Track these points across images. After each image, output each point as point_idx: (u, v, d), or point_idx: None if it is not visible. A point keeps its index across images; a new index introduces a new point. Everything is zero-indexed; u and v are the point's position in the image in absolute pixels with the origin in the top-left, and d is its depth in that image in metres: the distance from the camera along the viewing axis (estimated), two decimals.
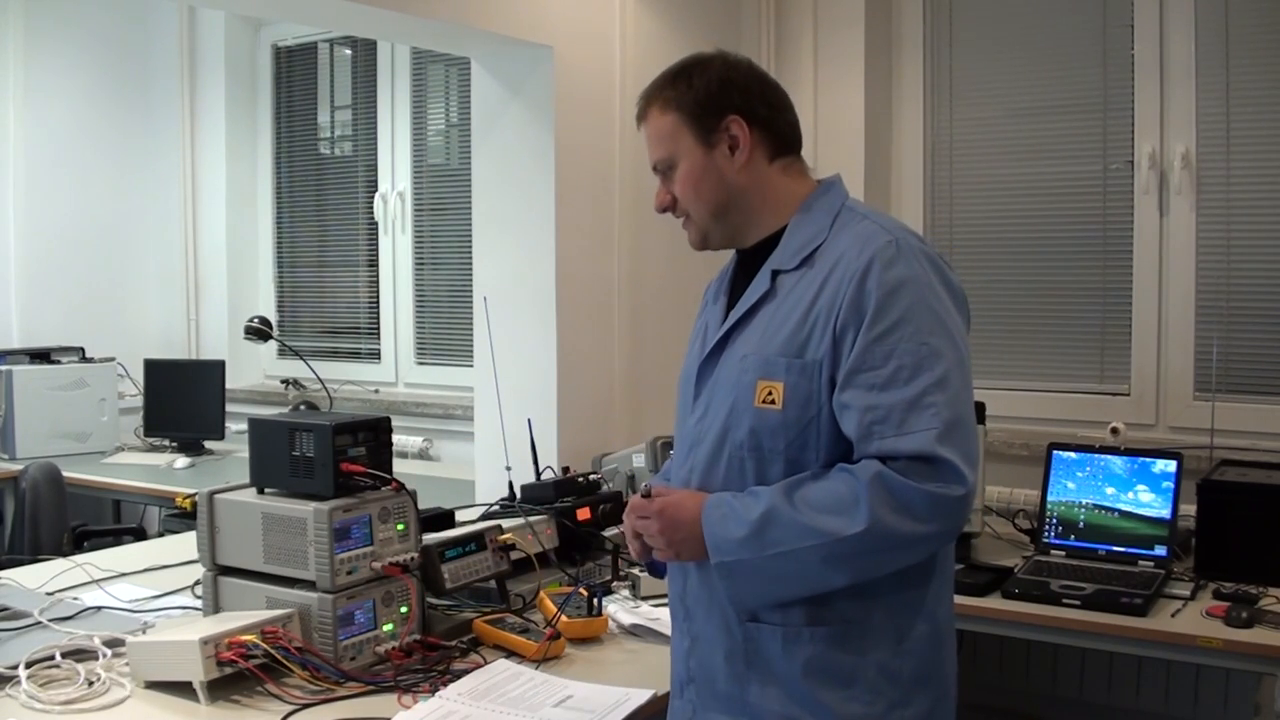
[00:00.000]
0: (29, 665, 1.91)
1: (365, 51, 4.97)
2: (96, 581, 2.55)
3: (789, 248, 1.64)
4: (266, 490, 2.10)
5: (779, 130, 1.68)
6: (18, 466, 4.15)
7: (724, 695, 1.64)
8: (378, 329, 4.97)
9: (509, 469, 2.85)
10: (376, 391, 4.83)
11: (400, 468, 2.16)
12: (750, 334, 1.63)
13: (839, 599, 1.55)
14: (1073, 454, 2.85)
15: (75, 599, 2.39)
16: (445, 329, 4.80)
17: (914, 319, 1.51)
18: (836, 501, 1.49)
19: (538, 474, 2.95)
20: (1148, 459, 2.76)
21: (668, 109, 1.66)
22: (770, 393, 1.57)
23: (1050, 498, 2.85)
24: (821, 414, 1.55)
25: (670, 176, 1.69)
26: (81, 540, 3.83)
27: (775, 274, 1.63)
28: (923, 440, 1.47)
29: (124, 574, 2.63)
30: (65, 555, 3.04)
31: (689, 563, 1.66)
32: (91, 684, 1.88)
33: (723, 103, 1.64)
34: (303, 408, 4.60)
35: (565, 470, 3.02)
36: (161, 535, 3.77)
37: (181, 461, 4.36)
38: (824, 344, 1.54)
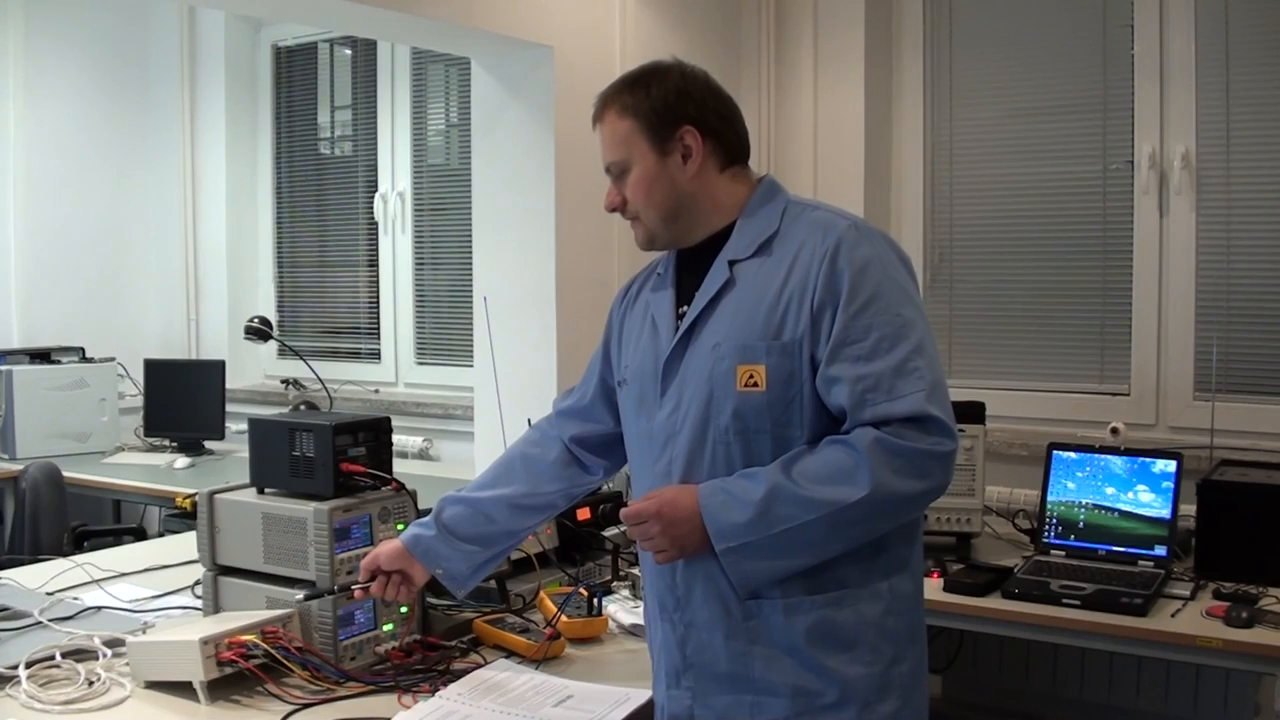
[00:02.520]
0: (29, 665, 1.90)
1: (365, 51, 4.97)
2: (96, 581, 2.54)
3: (741, 240, 1.69)
4: (266, 490, 2.10)
5: (730, 142, 1.73)
6: (18, 466, 4.15)
7: (726, 676, 1.65)
8: (378, 329, 4.97)
9: None
10: (376, 391, 4.83)
11: (400, 468, 2.17)
12: (717, 323, 1.66)
13: (837, 565, 1.60)
14: (1073, 454, 2.85)
15: (75, 599, 2.39)
16: (445, 329, 4.80)
17: (885, 294, 1.59)
18: (836, 471, 1.54)
19: None
20: (1148, 459, 2.76)
21: (625, 114, 1.70)
22: (752, 376, 1.62)
23: (1050, 498, 2.85)
24: (804, 390, 1.60)
25: (623, 179, 1.73)
26: (81, 540, 3.82)
27: (732, 264, 1.67)
28: (914, 402, 1.54)
29: (124, 574, 2.62)
30: (65, 555, 3.04)
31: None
32: (91, 684, 1.88)
33: (679, 113, 1.68)
34: (303, 408, 4.60)
35: None
36: (161, 535, 3.76)
37: (181, 461, 4.36)
38: (801, 324, 1.60)
